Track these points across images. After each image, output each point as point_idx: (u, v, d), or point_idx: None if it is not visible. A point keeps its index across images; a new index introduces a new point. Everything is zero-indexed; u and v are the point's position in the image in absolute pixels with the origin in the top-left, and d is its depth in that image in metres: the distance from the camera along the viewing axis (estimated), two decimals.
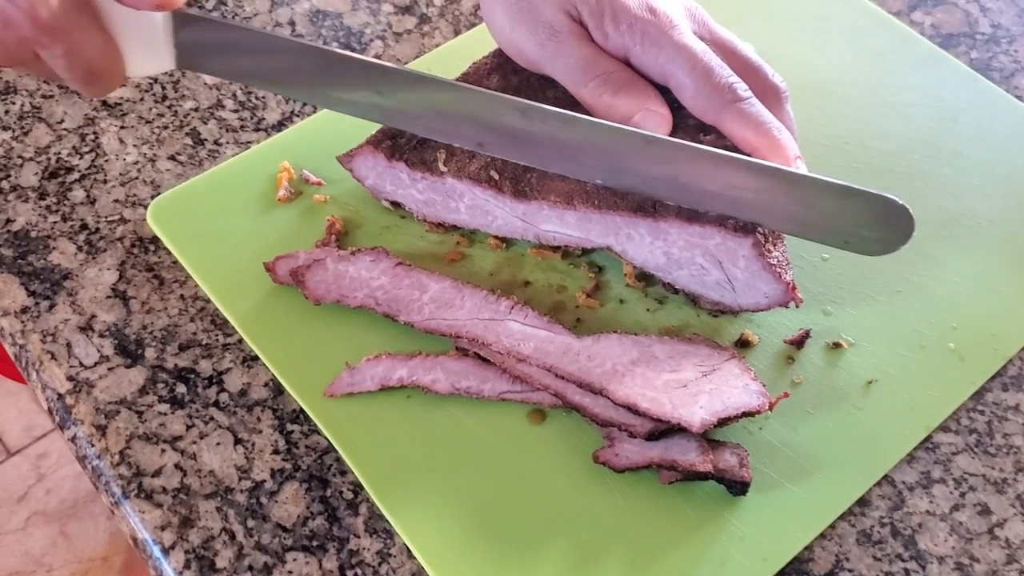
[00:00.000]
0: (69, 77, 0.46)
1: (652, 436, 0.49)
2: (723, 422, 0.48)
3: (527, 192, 0.54)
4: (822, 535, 0.49)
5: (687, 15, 0.53)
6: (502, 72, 0.56)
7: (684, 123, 0.52)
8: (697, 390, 0.49)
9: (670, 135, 0.51)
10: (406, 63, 0.67)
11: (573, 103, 0.53)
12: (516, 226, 0.56)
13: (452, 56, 0.66)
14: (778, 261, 0.51)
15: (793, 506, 0.49)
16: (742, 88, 0.50)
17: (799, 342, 0.54)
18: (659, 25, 0.51)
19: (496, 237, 0.58)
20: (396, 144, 0.56)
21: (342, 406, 0.52)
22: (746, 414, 0.48)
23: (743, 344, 0.54)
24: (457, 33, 0.70)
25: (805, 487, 0.50)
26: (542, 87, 0.55)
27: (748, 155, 0.49)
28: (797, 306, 0.51)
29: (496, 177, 0.54)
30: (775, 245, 0.51)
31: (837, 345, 0.54)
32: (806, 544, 0.48)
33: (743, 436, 0.51)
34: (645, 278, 0.57)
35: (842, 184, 0.48)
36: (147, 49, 0.47)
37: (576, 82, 0.52)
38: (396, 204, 0.59)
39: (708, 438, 0.50)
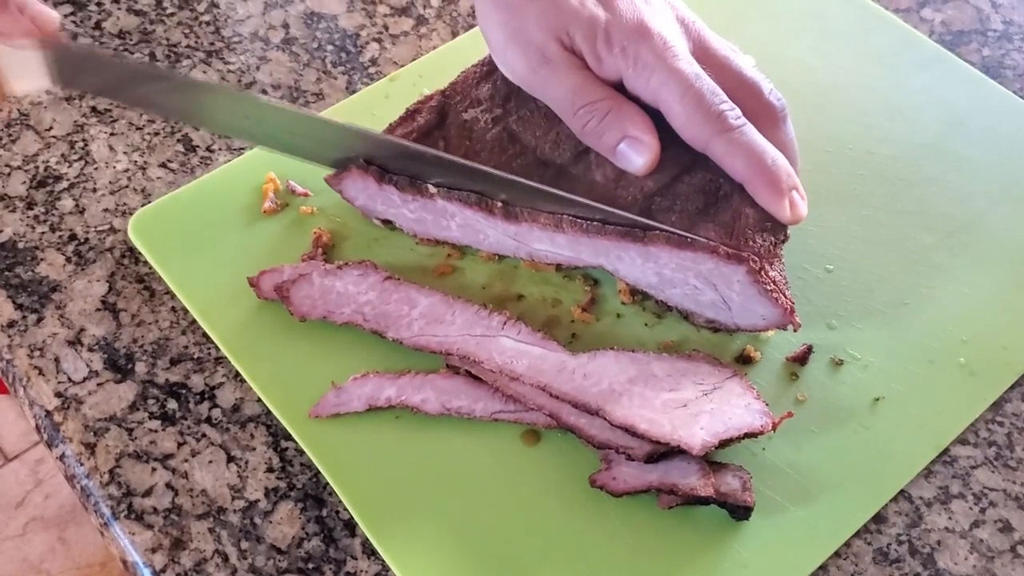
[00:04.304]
0: None
1: (651, 459, 0.47)
2: (725, 443, 0.46)
3: (517, 214, 0.52)
4: (837, 553, 0.48)
5: (683, 33, 0.51)
6: (492, 81, 0.55)
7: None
8: (698, 410, 0.47)
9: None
10: (403, 65, 0.66)
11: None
12: (508, 244, 0.54)
13: (449, 58, 0.64)
14: (775, 284, 0.49)
15: (798, 531, 0.47)
16: (734, 116, 0.49)
17: (802, 358, 0.53)
18: (652, 48, 0.49)
19: None
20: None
21: (328, 428, 0.50)
22: (748, 435, 0.47)
23: (744, 360, 0.53)
24: (455, 34, 0.68)
25: (811, 510, 0.48)
26: (531, 96, 0.53)
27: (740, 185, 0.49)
28: (795, 330, 0.49)
29: (487, 200, 0.52)
30: (772, 265, 0.49)
31: (842, 361, 0.53)
32: (812, 571, 0.47)
33: (745, 457, 0.49)
34: (641, 292, 0.55)
35: None
36: (25, 71, 0.50)
37: (564, 111, 0.51)
38: (387, 222, 0.57)
39: (709, 460, 0.48)
